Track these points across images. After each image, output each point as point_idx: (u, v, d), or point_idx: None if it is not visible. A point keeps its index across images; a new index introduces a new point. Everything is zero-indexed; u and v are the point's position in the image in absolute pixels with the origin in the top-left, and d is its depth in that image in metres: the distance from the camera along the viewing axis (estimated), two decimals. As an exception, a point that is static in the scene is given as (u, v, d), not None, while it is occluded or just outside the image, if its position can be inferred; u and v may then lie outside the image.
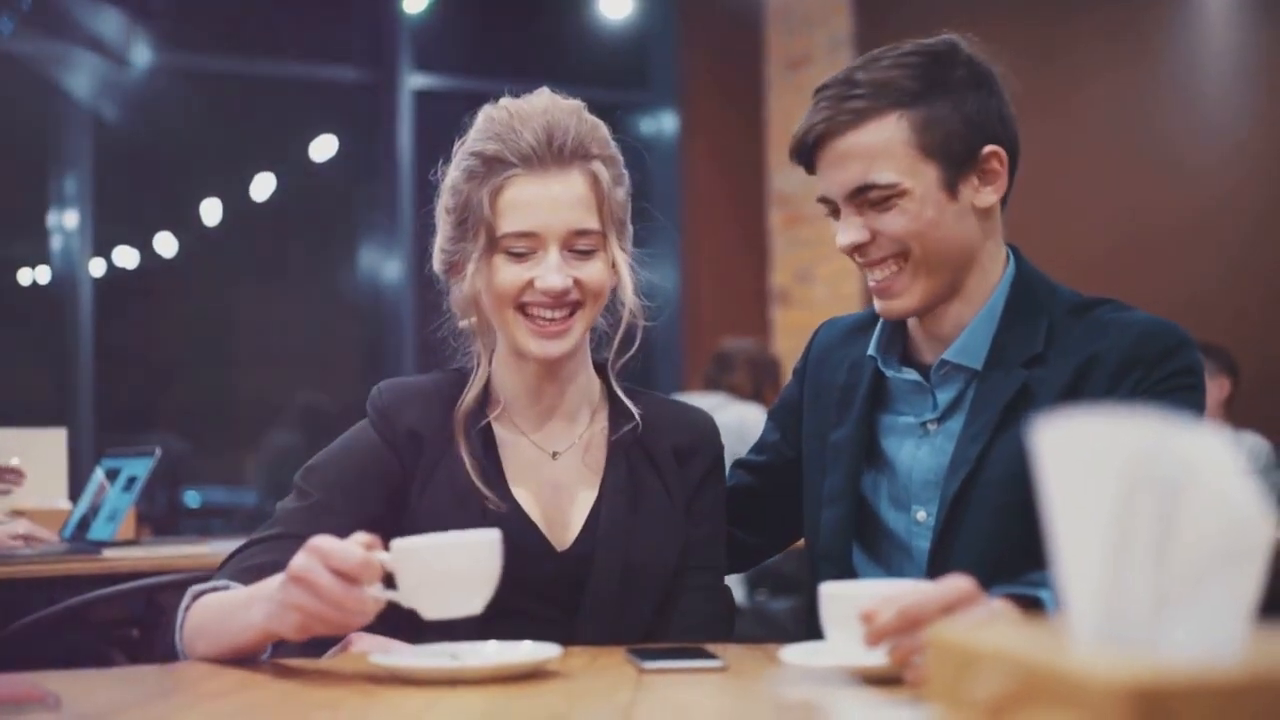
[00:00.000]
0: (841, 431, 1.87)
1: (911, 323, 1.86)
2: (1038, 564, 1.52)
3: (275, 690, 1.37)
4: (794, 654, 1.44)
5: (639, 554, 1.78)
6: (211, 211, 6.85)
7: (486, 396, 1.84)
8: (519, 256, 1.73)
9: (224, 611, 1.55)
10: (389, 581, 1.43)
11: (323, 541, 1.40)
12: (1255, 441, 4.48)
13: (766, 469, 2.03)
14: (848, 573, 1.81)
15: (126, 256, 6.67)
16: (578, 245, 1.74)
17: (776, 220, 7.13)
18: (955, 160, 1.74)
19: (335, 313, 7.18)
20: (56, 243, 6.09)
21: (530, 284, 1.73)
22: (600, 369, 1.89)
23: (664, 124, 7.22)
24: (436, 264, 1.84)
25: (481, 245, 1.74)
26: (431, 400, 1.82)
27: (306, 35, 6.83)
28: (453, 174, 1.79)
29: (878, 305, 1.81)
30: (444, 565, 1.43)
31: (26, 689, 1.26)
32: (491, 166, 1.74)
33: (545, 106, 1.77)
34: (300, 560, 1.40)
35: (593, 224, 1.75)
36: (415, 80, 6.71)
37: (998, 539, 1.70)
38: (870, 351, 1.86)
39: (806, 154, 1.79)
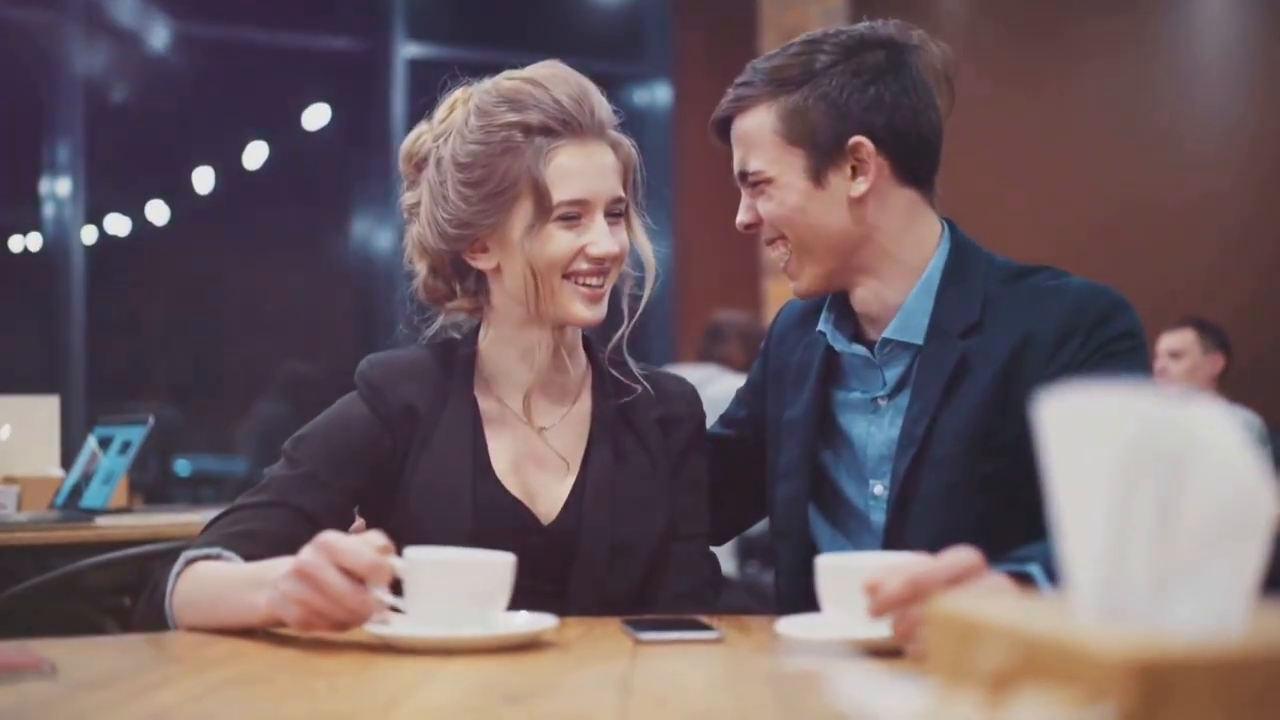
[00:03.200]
0: (796, 409, 1.88)
1: (853, 302, 1.86)
2: (994, 533, 1.52)
3: (271, 659, 1.37)
4: (790, 626, 1.44)
5: (626, 526, 1.79)
6: (204, 180, 6.83)
7: (474, 370, 1.84)
8: (569, 223, 1.74)
9: (223, 586, 1.53)
10: (396, 586, 1.41)
11: (333, 538, 1.37)
12: (1248, 416, 4.49)
13: (731, 444, 2.04)
14: (805, 547, 1.83)
15: (118, 224, 6.65)
16: (612, 211, 1.78)
17: (770, 193, 7.10)
18: (822, 149, 1.76)
19: (327, 281, 7.17)
20: (48, 210, 6.06)
21: (581, 250, 1.74)
22: (587, 345, 1.90)
23: (658, 96, 7.19)
24: (437, 240, 1.81)
25: (528, 216, 1.73)
26: (420, 374, 1.81)
27: (300, 4, 6.79)
28: (472, 147, 1.76)
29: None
30: (455, 584, 1.41)
31: (22, 656, 1.25)
32: (536, 136, 1.73)
33: (565, 75, 1.78)
34: (308, 555, 1.37)
35: (622, 192, 1.79)
36: (409, 49, 6.68)
37: (951, 511, 1.71)
38: (820, 327, 1.86)
39: (717, 136, 1.87)
